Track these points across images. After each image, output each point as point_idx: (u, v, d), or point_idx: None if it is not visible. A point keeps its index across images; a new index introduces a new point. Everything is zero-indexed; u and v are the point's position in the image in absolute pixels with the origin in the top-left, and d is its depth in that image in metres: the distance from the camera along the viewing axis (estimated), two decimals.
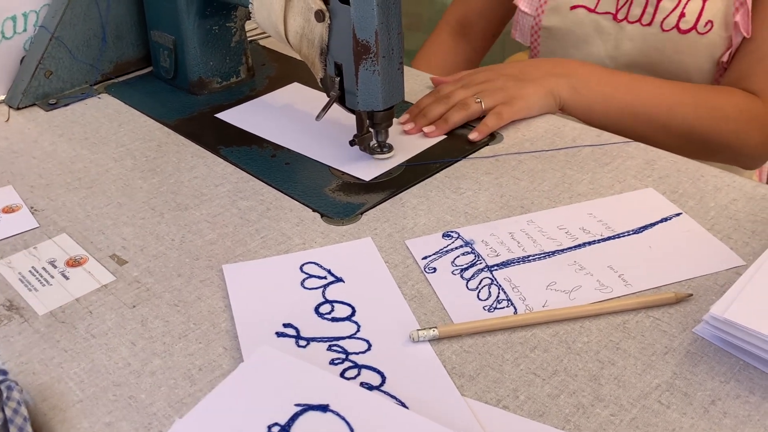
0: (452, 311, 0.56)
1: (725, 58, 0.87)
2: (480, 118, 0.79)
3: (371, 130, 0.74)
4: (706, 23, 0.85)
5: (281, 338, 0.54)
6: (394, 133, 0.78)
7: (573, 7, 0.94)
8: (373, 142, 0.75)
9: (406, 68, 0.93)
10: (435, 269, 0.60)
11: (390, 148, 0.76)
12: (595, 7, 0.92)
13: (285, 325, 0.55)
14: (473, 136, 0.76)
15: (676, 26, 0.87)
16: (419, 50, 1.14)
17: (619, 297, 0.56)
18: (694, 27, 0.86)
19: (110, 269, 0.62)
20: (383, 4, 0.65)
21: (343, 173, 0.73)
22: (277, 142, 0.79)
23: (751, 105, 0.83)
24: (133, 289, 0.60)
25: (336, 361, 0.52)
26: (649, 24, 0.89)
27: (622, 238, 0.63)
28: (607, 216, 0.65)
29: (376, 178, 0.72)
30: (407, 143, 0.78)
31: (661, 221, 0.64)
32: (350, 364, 0.52)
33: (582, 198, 0.68)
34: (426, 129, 0.78)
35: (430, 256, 0.62)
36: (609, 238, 0.63)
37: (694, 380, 0.50)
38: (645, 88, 0.82)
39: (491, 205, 0.68)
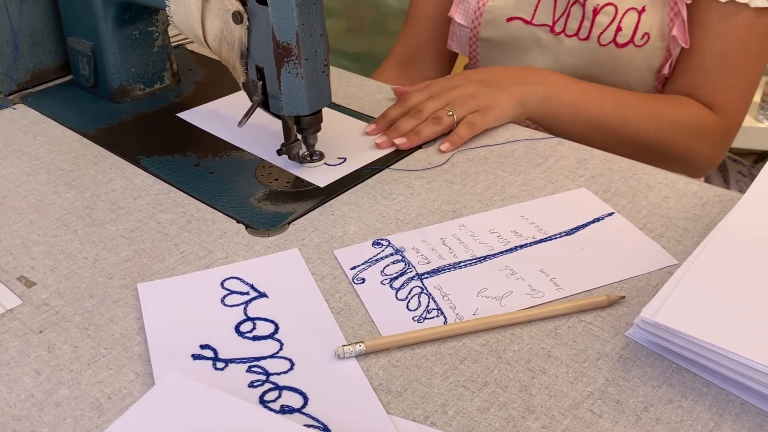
0: (381, 324, 0.54)
1: (666, 70, 0.87)
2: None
3: (299, 136, 0.71)
4: (643, 35, 0.85)
5: (198, 361, 0.51)
6: (335, 138, 0.76)
7: (509, 19, 0.92)
8: (303, 151, 0.73)
9: (366, 80, 0.92)
10: (363, 279, 0.58)
11: (321, 156, 0.74)
12: (532, 18, 0.91)
13: (202, 347, 0.52)
14: (444, 147, 0.74)
15: (614, 40, 0.86)
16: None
17: (550, 302, 0.55)
18: (631, 40, 0.86)
19: (17, 292, 0.58)
20: (303, 5, 0.63)
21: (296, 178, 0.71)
22: (240, 146, 0.77)
23: (706, 118, 0.85)
24: (40, 312, 0.56)
25: (255, 384, 0.49)
26: (587, 38, 0.88)
27: (554, 240, 0.61)
28: (539, 218, 0.64)
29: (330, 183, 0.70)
30: (353, 149, 0.76)
31: (594, 221, 0.63)
32: (271, 385, 0.49)
33: (514, 200, 0.67)
34: (397, 141, 0.75)
35: (359, 266, 0.59)
36: (541, 241, 0.61)
37: (626, 386, 0.48)
38: (611, 100, 0.82)
39: (423, 210, 0.66)
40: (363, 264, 0.60)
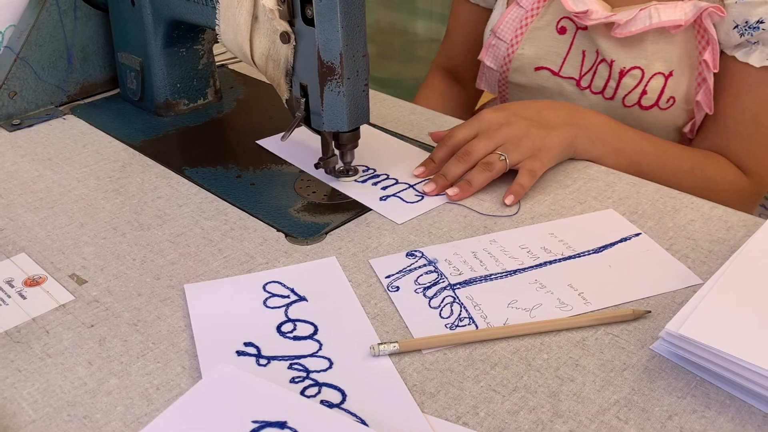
0: (414, 329, 0.56)
1: (687, 129, 0.88)
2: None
3: (336, 152, 0.75)
4: (668, 99, 0.86)
5: (242, 357, 0.53)
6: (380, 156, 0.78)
7: (537, 68, 0.93)
8: (339, 165, 0.76)
9: (406, 103, 0.95)
10: (398, 288, 0.61)
11: (356, 171, 0.77)
12: (559, 70, 0.92)
13: (246, 344, 0.55)
14: (510, 200, 0.70)
15: (638, 103, 0.87)
16: (416, 94, 1.13)
17: (578, 314, 0.57)
18: (656, 104, 0.86)
19: (69, 289, 0.62)
20: (348, 27, 0.66)
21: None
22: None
23: (740, 181, 0.85)
24: (91, 308, 0.59)
25: (297, 380, 0.51)
26: (612, 98, 0.89)
27: (582, 258, 0.63)
28: (568, 236, 0.66)
29: (405, 221, 0.69)
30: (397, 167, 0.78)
31: (621, 241, 0.65)
32: (311, 382, 0.51)
33: (543, 218, 0.69)
34: (450, 192, 0.71)
35: (393, 275, 0.62)
36: (569, 257, 0.64)
37: (651, 396, 0.50)
38: (651, 147, 0.81)
39: (455, 224, 0.69)
40: (397, 273, 0.62)
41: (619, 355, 0.54)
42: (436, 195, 0.72)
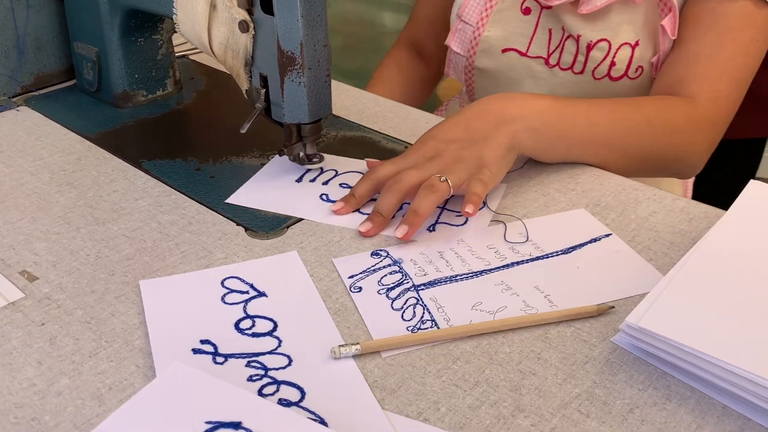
0: (375, 331, 0.55)
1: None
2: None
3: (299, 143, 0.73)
4: (637, 68, 0.87)
5: (198, 355, 0.52)
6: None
7: (504, 50, 0.93)
8: (303, 152, 0.74)
9: (369, 94, 0.93)
10: (360, 288, 0.59)
11: (320, 158, 0.75)
12: (527, 50, 0.92)
13: (202, 342, 0.53)
14: (470, 209, 0.63)
15: (608, 74, 0.87)
16: (378, 63, 1.13)
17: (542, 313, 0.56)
18: (626, 74, 0.87)
19: (19, 286, 0.59)
20: (308, 16, 0.65)
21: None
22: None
23: (693, 112, 0.82)
24: (42, 306, 0.57)
25: (254, 378, 0.50)
26: (581, 72, 0.89)
27: (550, 258, 0.63)
28: (537, 236, 0.65)
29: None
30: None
31: (591, 242, 0.65)
32: (269, 380, 0.50)
33: (506, 210, 0.69)
34: (399, 233, 0.63)
35: (357, 275, 0.61)
36: (537, 258, 0.63)
37: (613, 389, 0.50)
38: (602, 114, 0.76)
39: None
40: (361, 273, 0.61)
41: (581, 348, 0.53)
42: (374, 235, 0.66)
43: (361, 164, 0.76)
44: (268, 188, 0.72)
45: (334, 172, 0.75)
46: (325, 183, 0.73)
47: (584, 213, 0.69)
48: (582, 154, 0.76)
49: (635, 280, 0.60)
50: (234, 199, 0.70)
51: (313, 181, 0.74)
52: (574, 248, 0.64)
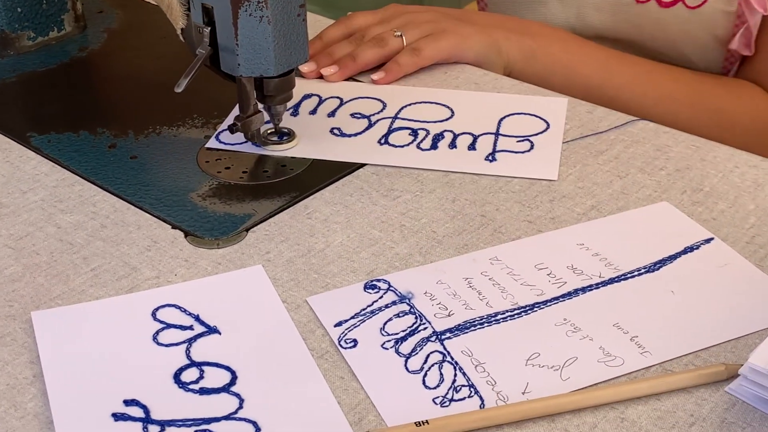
0: (386, 411, 0.53)
1: (734, 45, 0.88)
2: None
3: (261, 107, 0.73)
4: None
5: (121, 422, 0.51)
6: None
7: None
8: (266, 128, 0.75)
9: None
10: (355, 342, 0.58)
11: (291, 134, 0.75)
12: None
13: (127, 403, 0.53)
14: (377, 76, 0.81)
15: None
16: None
17: (633, 372, 0.55)
18: None
19: None
20: None
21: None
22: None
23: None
24: None
25: None
26: None
27: (630, 280, 0.62)
28: (606, 246, 0.65)
29: None
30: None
31: (685, 251, 0.64)
32: None
33: (568, 213, 0.68)
34: (325, 71, 0.82)
35: (346, 320, 0.59)
36: (612, 281, 0.62)
37: None
38: (625, 69, 0.85)
39: (439, 213, 0.67)
40: (353, 318, 0.60)
41: (683, 404, 0.52)
42: (315, 78, 0.83)
43: (372, 89, 0.83)
44: None
45: (338, 101, 0.81)
46: (331, 114, 0.79)
47: (669, 208, 0.68)
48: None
49: (758, 307, 0.59)
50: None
51: (313, 112, 0.80)
52: (661, 263, 0.63)
